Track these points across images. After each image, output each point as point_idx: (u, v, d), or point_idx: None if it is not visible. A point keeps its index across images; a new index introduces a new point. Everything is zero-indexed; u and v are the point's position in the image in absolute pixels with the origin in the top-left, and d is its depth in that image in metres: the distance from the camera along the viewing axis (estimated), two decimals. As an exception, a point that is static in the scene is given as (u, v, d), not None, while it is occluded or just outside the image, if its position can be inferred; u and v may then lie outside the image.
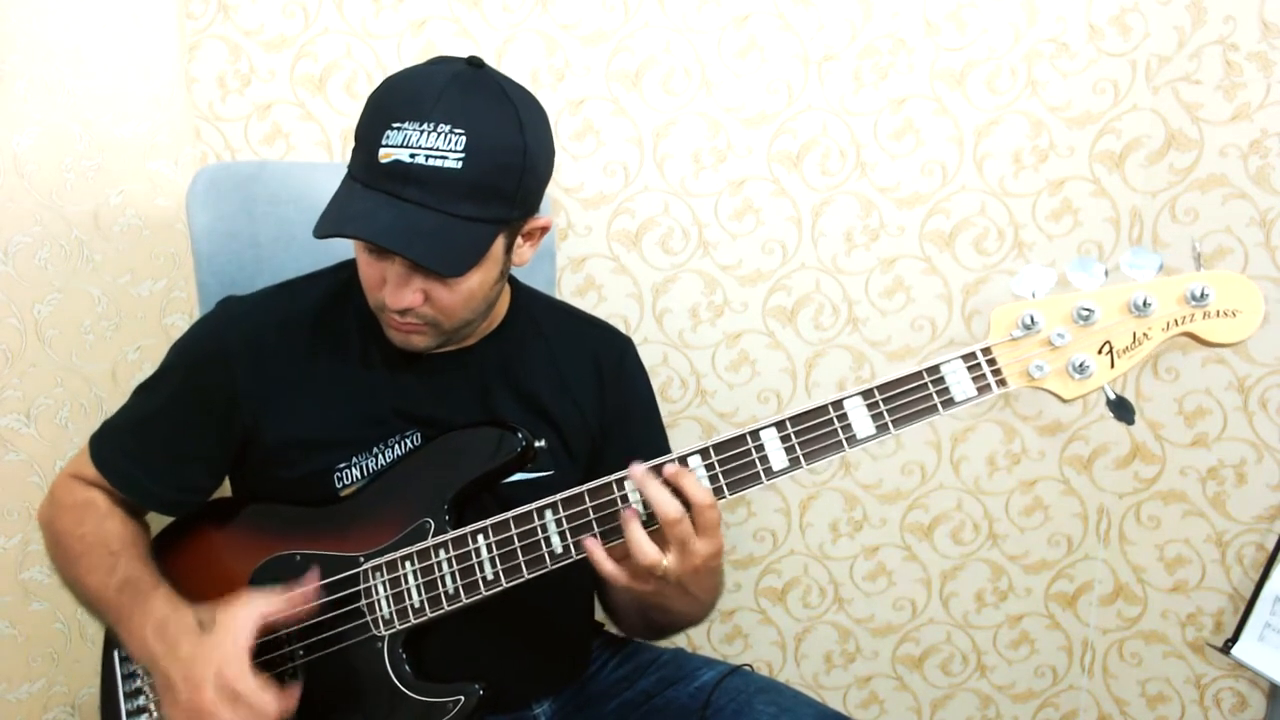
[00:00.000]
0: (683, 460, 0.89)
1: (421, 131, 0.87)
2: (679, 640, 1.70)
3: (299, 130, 1.48)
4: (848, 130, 1.50)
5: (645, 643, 1.19)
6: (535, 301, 1.16)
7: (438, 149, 0.87)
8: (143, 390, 1.06)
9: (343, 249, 1.13)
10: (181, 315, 1.50)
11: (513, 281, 1.13)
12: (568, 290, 1.55)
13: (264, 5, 1.43)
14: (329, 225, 0.89)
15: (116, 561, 0.97)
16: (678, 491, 0.86)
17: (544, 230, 1.02)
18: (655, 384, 1.56)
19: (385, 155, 0.88)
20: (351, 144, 0.94)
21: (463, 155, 0.87)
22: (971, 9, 1.46)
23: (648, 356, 1.54)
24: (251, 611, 0.89)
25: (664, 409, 1.52)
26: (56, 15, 1.31)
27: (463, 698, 0.92)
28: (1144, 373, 1.55)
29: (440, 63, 0.94)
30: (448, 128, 0.87)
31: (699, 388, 1.60)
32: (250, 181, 1.27)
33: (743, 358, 1.59)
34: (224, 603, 0.90)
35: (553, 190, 1.51)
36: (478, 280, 0.95)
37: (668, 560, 0.86)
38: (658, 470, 0.87)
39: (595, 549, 0.88)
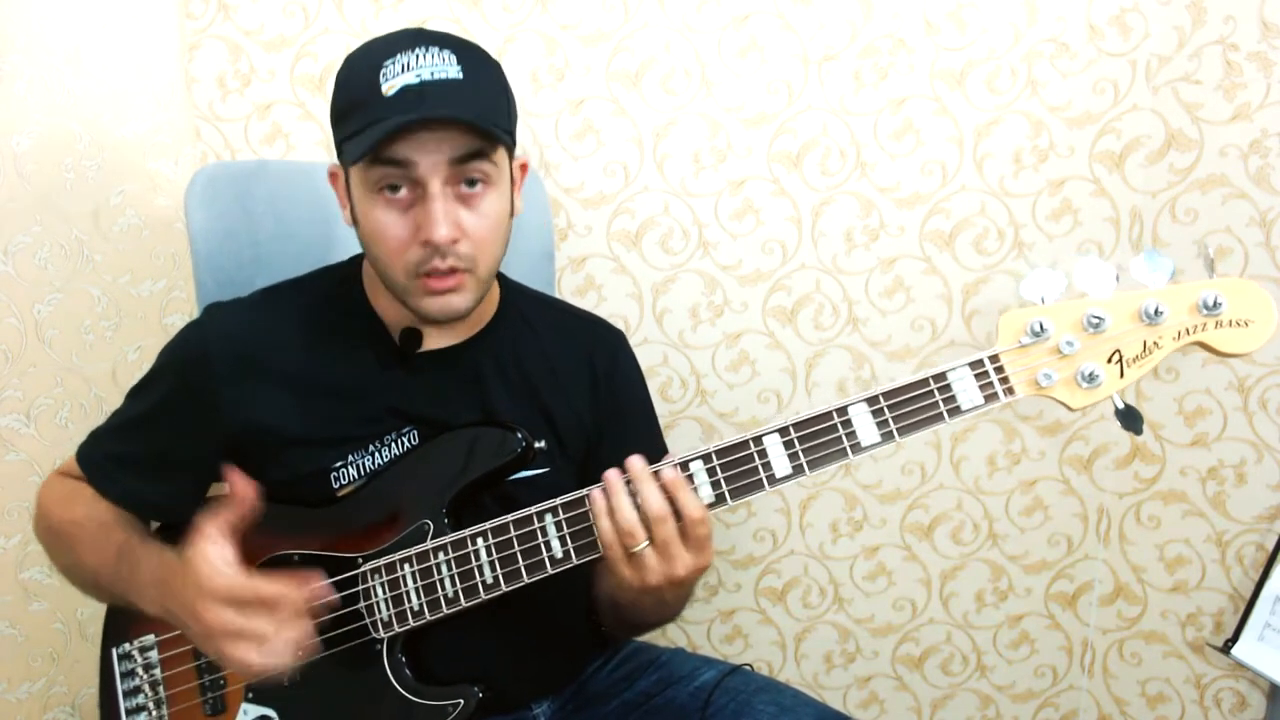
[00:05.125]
0: (684, 465, 0.88)
1: (415, 54, 0.90)
2: (679, 640, 1.70)
3: (299, 130, 1.48)
4: (848, 130, 1.50)
5: (645, 643, 1.19)
6: (523, 297, 1.15)
7: (438, 64, 0.90)
8: (131, 396, 1.05)
9: (342, 249, 1.14)
10: (181, 315, 1.50)
11: (500, 277, 1.13)
12: (568, 290, 1.55)
13: (264, 5, 1.43)
14: (379, 132, 0.88)
15: (110, 533, 0.97)
16: (672, 499, 0.86)
17: (524, 170, 1.05)
18: (655, 384, 1.57)
19: (390, 88, 0.89)
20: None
21: (460, 66, 0.90)
22: (971, 9, 1.46)
23: (648, 357, 1.54)
24: (205, 528, 0.85)
25: (664, 409, 1.52)
26: (56, 15, 1.31)
27: (461, 701, 0.92)
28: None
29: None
30: (435, 48, 0.91)
31: (699, 388, 1.60)
32: (249, 181, 1.27)
33: (743, 358, 1.59)
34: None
35: (553, 190, 1.51)
36: (497, 208, 0.96)
37: (645, 546, 0.86)
38: (657, 472, 0.87)
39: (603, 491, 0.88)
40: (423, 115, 0.88)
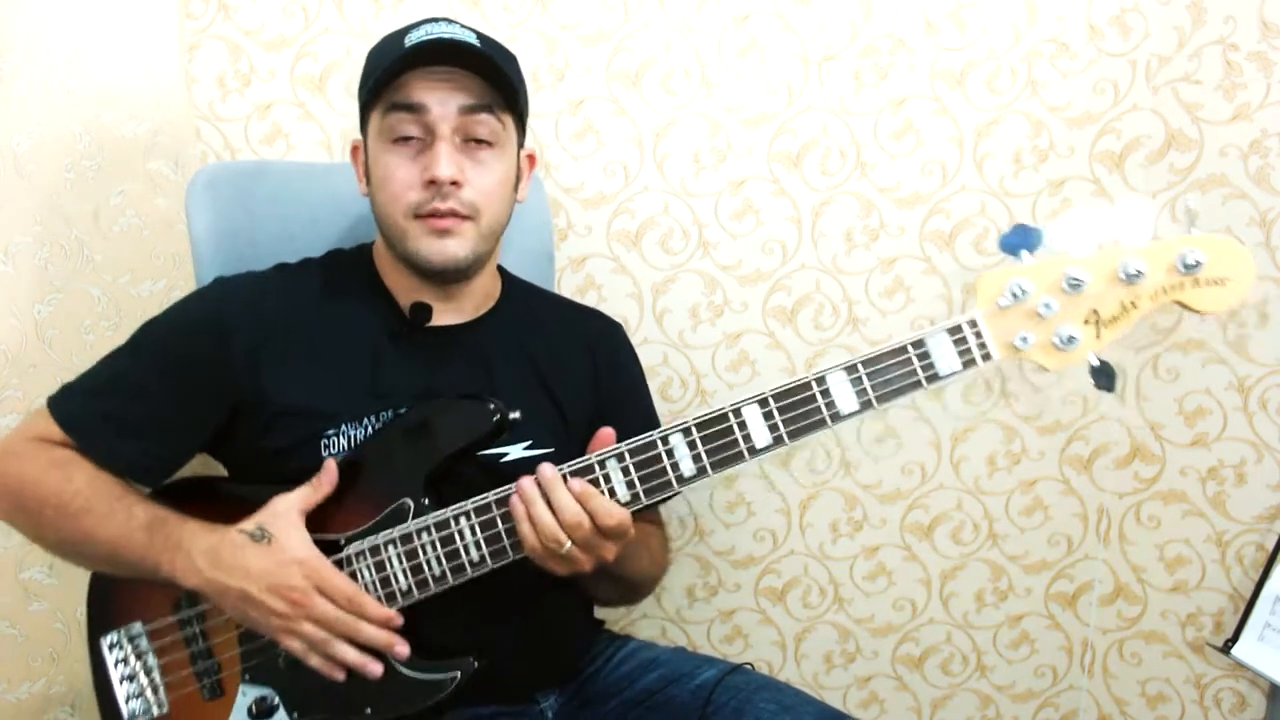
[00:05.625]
0: (664, 439, 0.90)
1: (438, 25, 1.00)
2: (679, 640, 1.70)
3: (299, 130, 1.48)
4: (848, 130, 1.50)
5: (646, 642, 1.19)
6: (525, 290, 1.20)
7: (458, 32, 0.99)
8: (119, 357, 1.03)
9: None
10: (181, 315, 1.50)
11: (501, 270, 1.17)
12: (568, 290, 1.55)
13: (264, 5, 1.43)
14: (397, 58, 0.96)
15: (128, 506, 0.95)
16: (584, 505, 0.88)
17: (532, 161, 1.12)
18: (655, 384, 1.57)
19: (411, 42, 0.97)
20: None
21: (477, 39, 1.00)
22: (971, 9, 1.46)
23: (648, 356, 1.54)
24: (291, 513, 0.92)
25: (664, 409, 1.52)
26: (56, 15, 1.31)
27: (459, 673, 0.93)
28: (1144, 372, 1.55)
29: None
30: (457, 26, 1.01)
31: (699, 388, 1.60)
32: (250, 181, 1.27)
33: (743, 358, 1.59)
34: (261, 513, 0.92)
35: (553, 190, 1.51)
36: (502, 170, 1.02)
37: (569, 546, 0.89)
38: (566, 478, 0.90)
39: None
40: (437, 36, 0.97)
